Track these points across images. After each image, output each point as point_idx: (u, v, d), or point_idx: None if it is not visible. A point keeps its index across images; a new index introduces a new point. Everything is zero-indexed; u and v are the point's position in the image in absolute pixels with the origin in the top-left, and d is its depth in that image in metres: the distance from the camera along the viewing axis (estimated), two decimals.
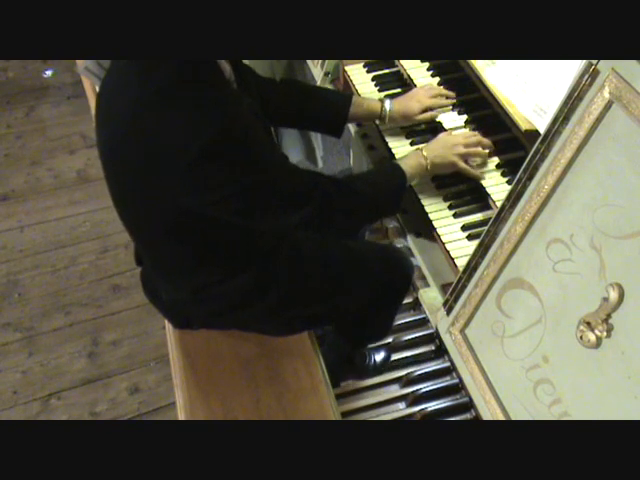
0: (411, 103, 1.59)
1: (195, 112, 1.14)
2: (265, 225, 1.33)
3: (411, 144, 1.60)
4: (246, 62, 1.50)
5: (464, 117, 1.59)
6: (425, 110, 1.59)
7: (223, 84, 1.21)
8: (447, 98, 1.62)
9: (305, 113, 1.61)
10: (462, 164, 1.47)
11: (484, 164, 1.50)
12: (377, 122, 1.66)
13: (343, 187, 1.36)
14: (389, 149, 1.63)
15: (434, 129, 1.61)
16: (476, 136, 1.51)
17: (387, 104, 1.59)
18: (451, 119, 1.60)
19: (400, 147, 1.60)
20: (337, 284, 1.53)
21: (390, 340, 1.80)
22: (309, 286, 1.49)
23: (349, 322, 1.68)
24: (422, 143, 1.57)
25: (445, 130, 1.57)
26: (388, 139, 1.64)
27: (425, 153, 1.46)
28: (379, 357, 1.85)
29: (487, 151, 1.51)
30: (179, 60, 1.14)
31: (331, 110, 1.60)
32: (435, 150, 1.47)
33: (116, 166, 1.27)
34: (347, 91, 1.85)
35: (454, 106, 1.62)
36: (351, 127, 1.80)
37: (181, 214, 1.23)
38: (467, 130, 1.56)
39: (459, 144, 1.48)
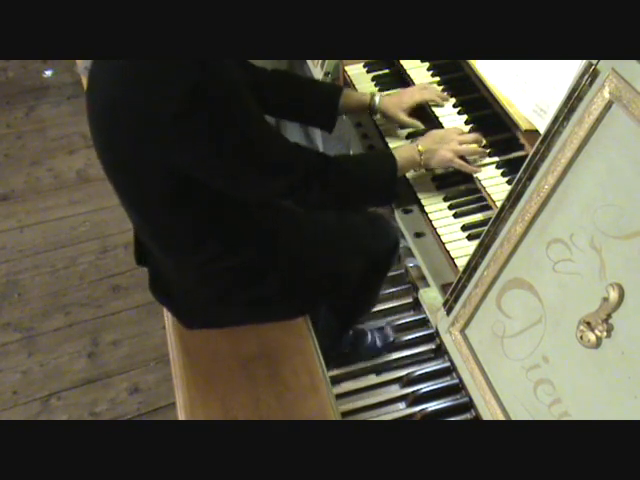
0: (402, 96, 1.61)
1: (176, 62, 1.12)
2: (253, 190, 1.34)
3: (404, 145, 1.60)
4: None
5: (464, 117, 1.59)
6: (415, 105, 1.60)
7: None
8: (443, 101, 1.63)
9: (296, 103, 1.60)
10: (457, 161, 1.47)
11: (481, 159, 1.51)
12: (375, 119, 1.67)
13: (332, 163, 1.36)
14: (388, 149, 1.63)
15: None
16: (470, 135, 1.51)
17: (377, 96, 1.60)
18: (451, 119, 1.60)
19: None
20: (336, 252, 1.56)
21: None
22: (307, 255, 1.53)
23: (347, 295, 1.68)
24: None
25: None
26: (388, 139, 1.64)
27: (420, 148, 1.46)
28: (379, 339, 1.85)
29: (485, 150, 1.50)
30: None
31: (322, 100, 1.60)
32: (430, 146, 1.47)
33: (109, 134, 1.26)
34: None
35: (454, 106, 1.62)
36: (351, 127, 1.80)
37: (173, 177, 1.24)
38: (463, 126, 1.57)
39: (454, 140, 1.48)
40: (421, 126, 1.60)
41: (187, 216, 1.35)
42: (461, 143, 1.48)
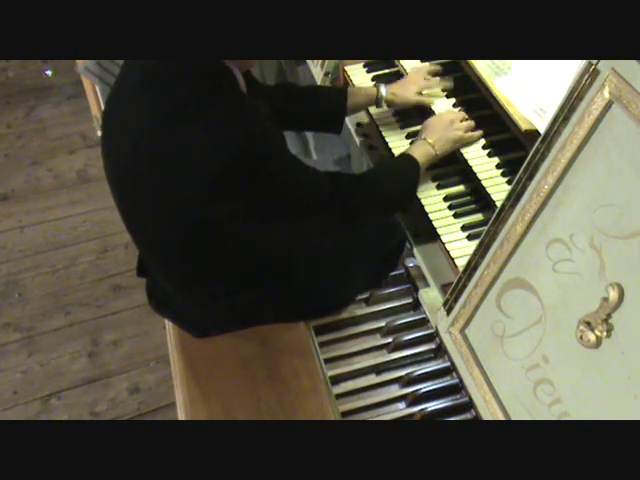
0: (407, 85, 1.63)
1: (217, 127, 1.13)
2: (282, 234, 1.35)
3: (411, 145, 1.60)
4: None
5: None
6: (422, 88, 1.63)
7: (241, 97, 1.20)
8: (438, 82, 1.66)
9: (304, 113, 1.62)
10: (466, 135, 1.52)
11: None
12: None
13: (366, 183, 1.38)
14: (389, 149, 1.63)
15: None
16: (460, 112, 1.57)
17: (382, 88, 1.62)
18: None
19: (400, 147, 1.60)
20: (346, 270, 1.57)
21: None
22: (318, 283, 1.53)
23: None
24: None
25: None
26: (388, 139, 1.64)
27: (431, 140, 1.49)
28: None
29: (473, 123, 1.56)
30: (197, 73, 1.14)
31: (329, 106, 1.61)
32: (438, 134, 1.50)
33: (130, 180, 1.27)
34: None
35: (454, 106, 1.62)
36: (351, 128, 1.80)
37: (198, 227, 1.24)
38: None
39: (455, 119, 1.53)
40: (434, 101, 1.62)
41: (201, 259, 1.34)
42: (460, 120, 1.54)
